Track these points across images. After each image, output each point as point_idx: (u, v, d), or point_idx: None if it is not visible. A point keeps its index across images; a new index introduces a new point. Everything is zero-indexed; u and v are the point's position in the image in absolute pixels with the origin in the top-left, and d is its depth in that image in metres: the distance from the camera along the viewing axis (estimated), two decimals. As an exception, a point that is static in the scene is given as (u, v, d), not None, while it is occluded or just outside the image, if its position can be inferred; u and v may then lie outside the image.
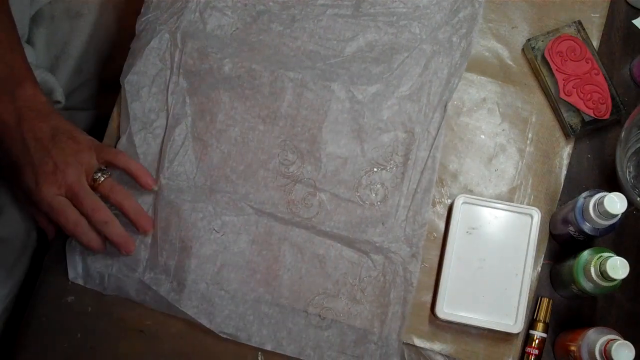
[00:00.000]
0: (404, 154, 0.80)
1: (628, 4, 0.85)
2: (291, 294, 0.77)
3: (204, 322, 0.76)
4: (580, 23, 0.82)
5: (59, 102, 0.90)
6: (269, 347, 0.76)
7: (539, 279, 0.78)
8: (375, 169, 0.80)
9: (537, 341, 0.75)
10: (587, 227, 0.70)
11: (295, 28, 0.84)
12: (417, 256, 0.77)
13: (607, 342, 0.65)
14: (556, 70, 0.80)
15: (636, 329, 0.76)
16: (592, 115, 0.79)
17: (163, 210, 0.78)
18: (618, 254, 0.66)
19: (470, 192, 0.80)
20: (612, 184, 0.76)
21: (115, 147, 0.81)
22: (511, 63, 0.84)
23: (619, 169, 0.73)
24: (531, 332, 0.75)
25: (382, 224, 0.78)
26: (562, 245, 0.79)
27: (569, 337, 0.72)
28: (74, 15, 0.97)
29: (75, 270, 0.79)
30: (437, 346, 0.77)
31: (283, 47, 0.83)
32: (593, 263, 0.68)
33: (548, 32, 0.82)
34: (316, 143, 0.80)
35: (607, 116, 0.79)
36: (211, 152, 0.81)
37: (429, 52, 0.82)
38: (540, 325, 0.75)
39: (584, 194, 0.71)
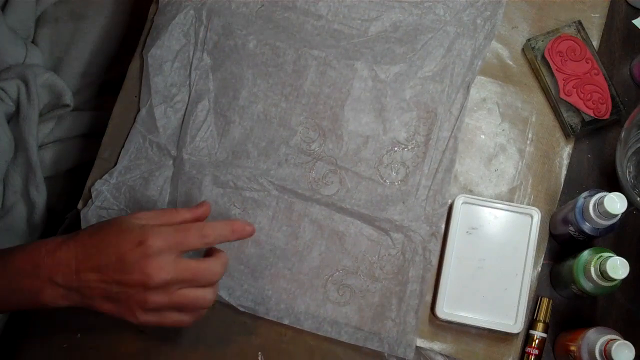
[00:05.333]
0: (425, 133, 0.81)
1: (628, 4, 0.85)
2: (310, 270, 0.78)
3: (223, 295, 0.76)
4: (580, 23, 0.82)
5: (67, 105, 0.90)
6: (286, 322, 0.76)
7: (539, 279, 0.78)
8: (396, 148, 0.80)
9: (537, 341, 0.75)
10: (587, 227, 0.70)
11: (320, 7, 0.84)
12: (437, 235, 0.78)
13: (607, 342, 0.65)
14: (556, 70, 0.80)
15: (636, 329, 0.76)
16: (592, 115, 0.79)
17: (184, 185, 0.79)
18: (618, 254, 0.66)
19: (470, 192, 0.80)
20: (612, 184, 0.76)
21: (134, 121, 0.81)
22: (511, 63, 0.84)
23: (619, 169, 0.73)
24: (531, 332, 0.75)
25: (403, 202, 0.79)
26: (562, 245, 0.79)
27: (569, 337, 0.72)
28: (78, 17, 0.97)
29: None
30: (437, 346, 0.77)
31: (307, 26, 0.84)
32: (593, 263, 0.68)
33: (548, 32, 0.82)
34: (338, 121, 0.81)
35: (607, 116, 0.79)
36: (233, 128, 0.81)
37: (452, 34, 0.83)
38: (540, 325, 0.75)
39: (584, 194, 0.71)
